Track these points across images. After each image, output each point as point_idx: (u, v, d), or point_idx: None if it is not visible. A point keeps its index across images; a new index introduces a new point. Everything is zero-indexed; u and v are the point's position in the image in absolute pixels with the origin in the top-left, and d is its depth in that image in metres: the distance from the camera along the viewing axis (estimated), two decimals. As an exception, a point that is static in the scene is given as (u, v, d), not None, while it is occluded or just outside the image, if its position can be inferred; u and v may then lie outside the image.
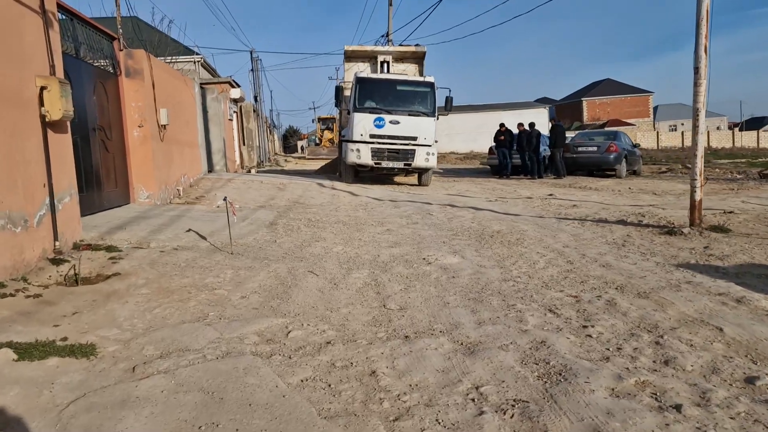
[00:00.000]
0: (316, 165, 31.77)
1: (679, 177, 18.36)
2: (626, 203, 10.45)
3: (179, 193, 11.25)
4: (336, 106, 16.27)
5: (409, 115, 14.59)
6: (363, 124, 14.43)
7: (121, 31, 9.17)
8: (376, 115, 14.46)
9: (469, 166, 29.87)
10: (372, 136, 14.47)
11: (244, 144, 26.13)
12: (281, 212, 9.66)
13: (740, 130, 75.35)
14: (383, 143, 14.50)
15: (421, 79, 15.09)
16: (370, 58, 16.68)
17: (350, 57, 16.79)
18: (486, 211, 9.60)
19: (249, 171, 20.12)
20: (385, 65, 16.16)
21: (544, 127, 45.86)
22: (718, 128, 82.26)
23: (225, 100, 19.33)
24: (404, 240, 7.15)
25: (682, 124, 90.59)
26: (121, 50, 9.16)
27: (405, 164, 14.65)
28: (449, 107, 15.12)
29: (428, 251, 6.42)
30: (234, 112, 22.10)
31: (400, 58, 16.52)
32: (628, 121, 72.55)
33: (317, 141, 46.35)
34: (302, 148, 73.33)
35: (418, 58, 16.43)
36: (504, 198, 11.87)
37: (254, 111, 30.48)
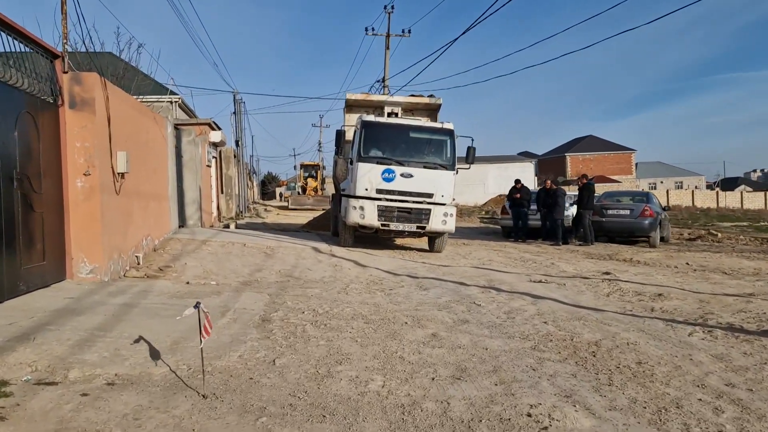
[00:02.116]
0: (300, 217, 29.37)
1: (716, 246, 16.30)
2: (715, 290, 8.18)
3: (138, 262, 8.69)
4: (336, 153, 13.73)
5: (425, 167, 12.29)
6: (368, 176, 12.10)
7: (67, 46, 6.80)
8: (384, 167, 12.14)
9: (470, 224, 27.77)
10: (379, 191, 12.13)
11: (222, 192, 23.65)
12: (274, 295, 7.16)
13: (722, 189, 75.39)
14: (393, 200, 12.13)
15: (438, 125, 12.83)
16: (375, 108, 14.37)
17: (352, 106, 14.51)
18: (549, 301, 7.22)
19: (227, 225, 17.59)
20: (393, 117, 13.86)
21: (530, 182, 44.40)
22: (696, 187, 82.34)
23: (203, 144, 16.96)
24: (470, 360, 4.70)
25: (662, 182, 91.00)
26: (65, 72, 6.77)
27: (418, 227, 12.25)
28: (471, 159, 12.85)
29: (523, 393, 3.98)
30: (213, 157, 19.71)
31: (410, 109, 14.24)
32: (613, 177, 71.95)
33: (300, 190, 43.75)
34: (280, 195, 70.90)
35: (431, 110, 14.20)
36: (549, 275, 9.54)
37: (234, 156, 28.15)
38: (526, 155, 76.70)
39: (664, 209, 16.99)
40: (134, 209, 8.79)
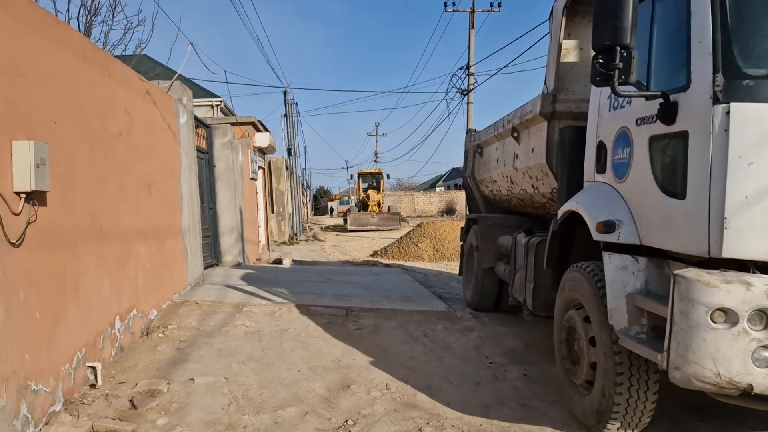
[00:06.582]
0: (365, 239, 24.39)
1: None
2: None
3: (95, 380, 4.00)
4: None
5: None
6: None
7: None
8: None
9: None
10: None
11: (272, 212, 19.17)
12: None
13: None
14: None
15: None
16: None
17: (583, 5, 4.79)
18: None
19: (279, 260, 12.91)
20: None
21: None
22: None
23: (246, 150, 12.42)
24: None
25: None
26: None
27: None
28: None
29: None
30: (259, 167, 15.18)
31: None
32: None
33: (360, 205, 37.64)
34: (331, 210, 65.53)
35: None
36: None
37: (287, 168, 23.70)
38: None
39: None
40: (83, 269, 4.12)
